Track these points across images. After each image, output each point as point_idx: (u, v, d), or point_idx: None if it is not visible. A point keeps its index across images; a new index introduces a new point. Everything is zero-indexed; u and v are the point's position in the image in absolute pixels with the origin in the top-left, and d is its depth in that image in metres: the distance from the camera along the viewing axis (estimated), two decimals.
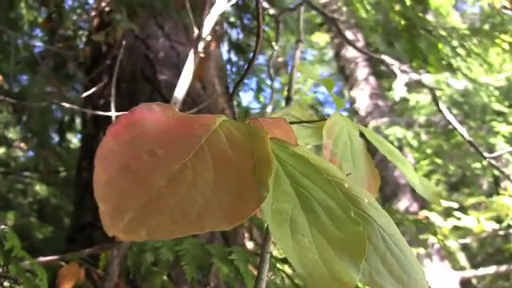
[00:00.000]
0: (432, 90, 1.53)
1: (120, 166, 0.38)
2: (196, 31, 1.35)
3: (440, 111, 1.51)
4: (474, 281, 5.56)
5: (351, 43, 1.65)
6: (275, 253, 1.36)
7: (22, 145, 4.21)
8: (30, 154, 4.40)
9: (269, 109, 1.83)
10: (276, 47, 1.61)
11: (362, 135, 0.77)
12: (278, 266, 1.24)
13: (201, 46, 1.34)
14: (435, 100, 1.54)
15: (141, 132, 0.41)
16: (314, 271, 0.38)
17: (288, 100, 0.95)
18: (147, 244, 1.27)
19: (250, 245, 2.00)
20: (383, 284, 0.46)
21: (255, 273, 1.25)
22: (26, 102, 2.80)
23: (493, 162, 1.50)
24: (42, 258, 1.37)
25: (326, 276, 0.38)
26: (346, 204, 0.44)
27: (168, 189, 0.37)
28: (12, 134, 4.44)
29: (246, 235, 1.99)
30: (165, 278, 1.41)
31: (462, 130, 1.46)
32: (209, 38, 1.35)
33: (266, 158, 0.41)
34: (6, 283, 0.98)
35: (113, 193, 0.36)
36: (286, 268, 1.26)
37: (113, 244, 1.23)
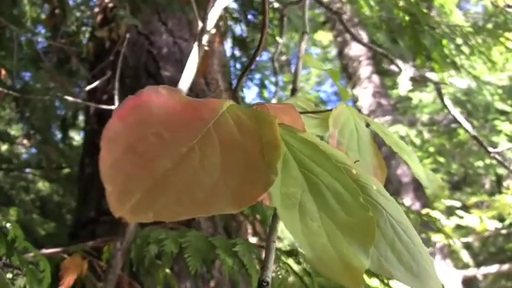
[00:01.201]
0: (437, 85, 1.52)
1: (126, 148, 0.37)
2: (200, 24, 1.35)
3: (445, 106, 1.50)
4: (480, 277, 5.55)
5: (356, 37, 1.65)
6: (280, 245, 1.36)
7: (25, 141, 4.21)
8: (33, 150, 4.40)
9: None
10: (280, 41, 1.60)
11: (367, 127, 0.77)
12: (283, 259, 1.23)
13: (205, 39, 1.34)
14: (440, 95, 1.53)
15: (147, 114, 0.40)
16: (324, 255, 0.38)
17: (294, 91, 0.95)
18: (151, 236, 1.27)
19: (253, 240, 1.99)
20: (392, 271, 0.45)
21: (259, 267, 1.24)
22: (30, 96, 2.80)
23: (497, 157, 1.49)
24: (45, 250, 1.37)
25: (336, 260, 0.38)
26: (355, 189, 0.44)
27: (175, 171, 0.37)
28: (15, 130, 4.45)
29: (250, 230, 1.99)
30: (168, 271, 1.40)
31: (466, 125, 1.45)
32: (213, 31, 1.34)
33: (274, 142, 0.40)
34: (8, 274, 0.98)
35: (119, 175, 0.35)
36: (291, 261, 1.26)
37: (116, 237, 1.23)
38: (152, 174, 0.36)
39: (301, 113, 0.72)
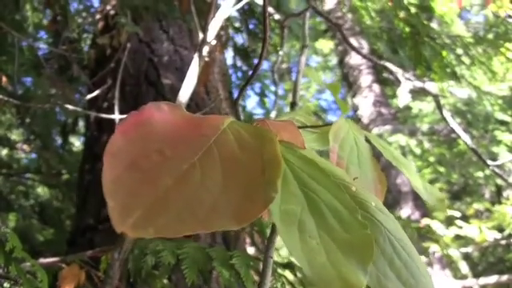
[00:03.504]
0: (436, 98, 1.53)
1: (128, 164, 0.38)
2: (201, 35, 1.35)
3: (444, 119, 1.51)
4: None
5: (355, 49, 1.66)
6: (276, 258, 1.36)
7: (25, 147, 4.21)
8: (33, 155, 4.41)
9: (272, 114, 1.83)
10: (281, 53, 1.61)
11: (366, 141, 0.77)
12: (279, 271, 1.23)
13: (205, 50, 1.34)
14: (439, 107, 1.54)
15: (149, 131, 0.41)
16: (322, 273, 0.38)
17: (293, 105, 0.95)
18: (148, 247, 1.27)
19: (251, 250, 1.99)
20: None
21: (256, 278, 1.24)
22: (30, 104, 2.81)
23: (496, 170, 1.50)
24: (42, 260, 1.37)
25: (334, 278, 0.38)
26: (354, 207, 0.44)
27: (176, 188, 0.37)
28: (15, 135, 4.45)
29: (248, 240, 1.99)
30: (165, 281, 1.40)
31: (465, 137, 1.46)
32: (214, 42, 1.35)
33: (274, 159, 0.40)
34: (6, 284, 0.98)
35: (121, 190, 0.36)
36: (287, 273, 1.26)
37: (114, 246, 1.23)
38: (154, 191, 0.37)
39: (300, 127, 0.72)
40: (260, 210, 0.37)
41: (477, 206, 5.78)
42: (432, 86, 2.54)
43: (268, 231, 0.61)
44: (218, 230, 0.36)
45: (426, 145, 6.32)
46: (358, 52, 1.73)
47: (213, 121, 0.45)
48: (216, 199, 0.37)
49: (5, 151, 4.45)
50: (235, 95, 3.02)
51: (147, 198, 0.36)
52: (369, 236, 0.41)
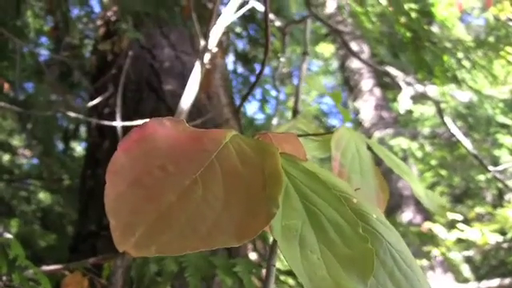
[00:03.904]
0: (437, 103, 1.53)
1: (131, 181, 0.38)
2: (202, 42, 1.35)
3: (444, 124, 1.51)
4: None
5: (356, 55, 1.66)
6: (278, 265, 1.36)
7: (27, 152, 4.22)
8: (34, 161, 4.41)
9: (274, 120, 1.84)
10: (282, 59, 1.61)
11: (368, 148, 0.77)
12: (282, 278, 1.23)
13: (207, 57, 1.34)
14: (440, 113, 1.54)
15: (152, 147, 0.41)
16: (323, 287, 0.38)
17: (295, 113, 0.96)
18: None
19: (253, 255, 1.99)
20: None
21: (258, 284, 1.24)
22: (32, 111, 2.81)
23: (497, 175, 1.50)
24: (45, 267, 1.37)
25: None
26: (355, 220, 0.44)
27: (178, 204, 0.37)
28: (16, 141, 4.46)
29: (250, 246, 1.99)
30: None
31: (466, 142, 1.46)
32: (215, 49, 1.35)
33: (276, 174, 0.41)
34: None
35: (123, 208, 0.36)
36: (290, 280, 1.26)
37: (117, 254, 1.23)
38: (156, 208, 0.37)
39: (301, 135, 0.73)
40: (262, 226, 0.38)
41: (478, 209, 5.77)
42: (433, 90, 2.54)
43: (270, 237, 0.61)
44: (219, 247, 0.37)
45: (428, 148, 6.31)
46: (358, 58, 1.74)
47: (215, 135, 0.45)
48: (218, 215, 0.38)
49: (6, 157, 4.46)
50: (236, 100, 3.02)
51: (150, 215, 0.36)
52: (370, 250, 0.41)
